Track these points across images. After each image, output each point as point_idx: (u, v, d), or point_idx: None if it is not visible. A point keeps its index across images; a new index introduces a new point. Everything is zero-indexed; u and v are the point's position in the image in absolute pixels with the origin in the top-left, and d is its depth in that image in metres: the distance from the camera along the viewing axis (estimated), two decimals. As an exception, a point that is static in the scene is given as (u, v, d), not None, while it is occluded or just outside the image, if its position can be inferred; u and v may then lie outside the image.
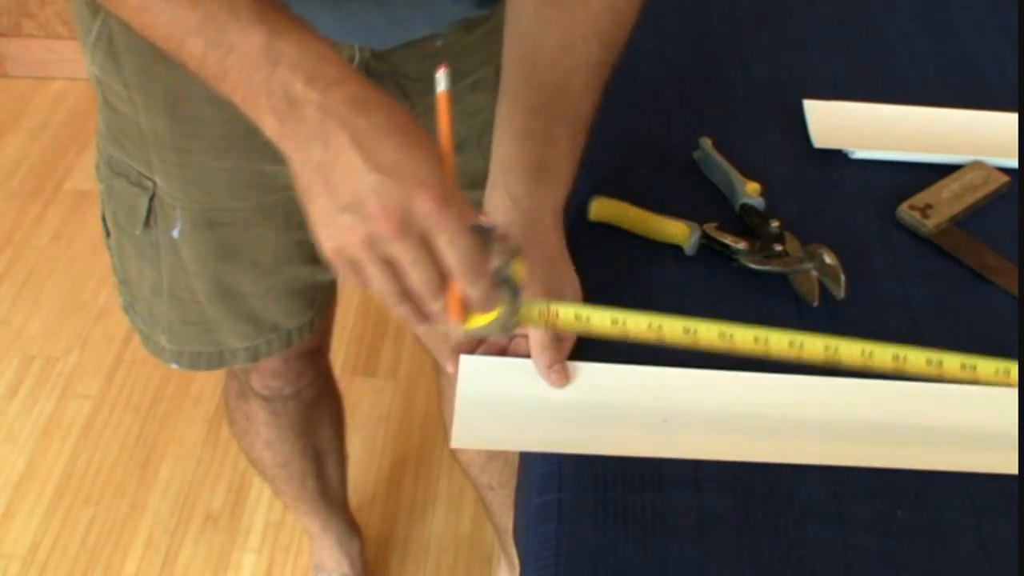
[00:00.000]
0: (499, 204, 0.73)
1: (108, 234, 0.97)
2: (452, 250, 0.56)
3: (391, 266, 0.57)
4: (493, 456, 1.26)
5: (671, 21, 1.10)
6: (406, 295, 0.59)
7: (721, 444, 0.69)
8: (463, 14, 0.86)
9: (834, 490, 0.67)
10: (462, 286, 0.58)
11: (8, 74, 2.43)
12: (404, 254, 0.56)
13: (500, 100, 0.76)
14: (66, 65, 2.40)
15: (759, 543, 0.64)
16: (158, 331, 0.98)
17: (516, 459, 0.80)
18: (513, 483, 0.79)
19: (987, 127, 0.94)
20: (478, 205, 0.97)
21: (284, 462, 1.24)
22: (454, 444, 0.69)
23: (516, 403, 0.71)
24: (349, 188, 0.55)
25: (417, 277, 0.57)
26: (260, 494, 1.61)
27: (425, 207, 0.55)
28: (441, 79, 0.60)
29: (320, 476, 1.31)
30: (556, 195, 0.73)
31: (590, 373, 0.73)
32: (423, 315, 0.60)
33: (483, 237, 0.58)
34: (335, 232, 0.57)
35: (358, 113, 0.56)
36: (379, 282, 0.58)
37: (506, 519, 1.34)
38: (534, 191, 0.73)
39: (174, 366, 0.99)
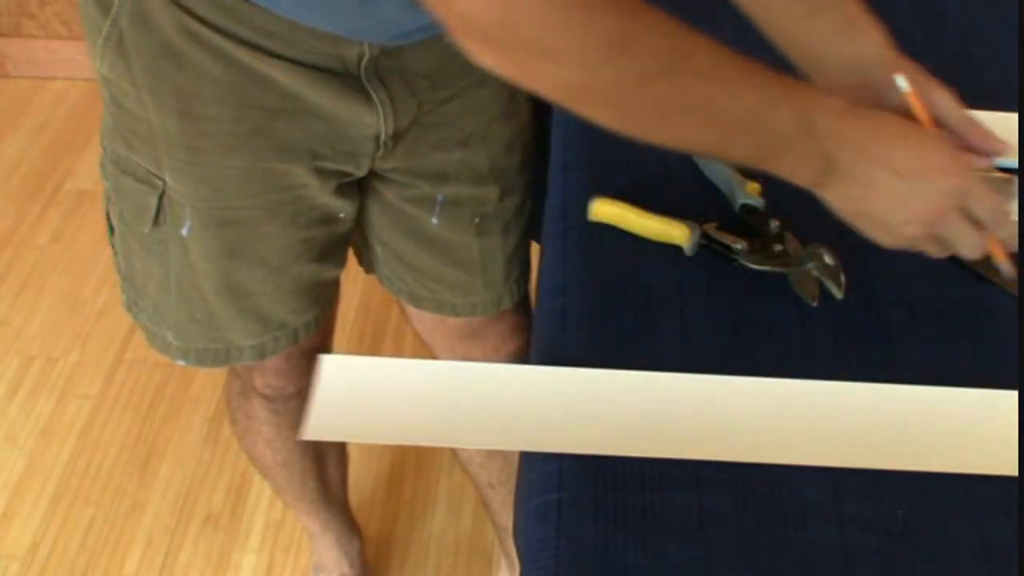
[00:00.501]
0: (837, 78, 0.80)
1: (112, 231, 0.97)
2: (983, 210, 0.71)
3: (942, 239, 0.73)
4: (492, 454, 1.26)
5: (671, 21, 1.09)
6: (958, 248, 0.74)
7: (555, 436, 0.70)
8: None
9: (834, 490, 0.67)
10: (996, 232, 0.73)
11: (8, 74, 2.43)
12: (951, 232, 0.72)
13: (769, 22, 0.83)
14: (66, 65, 2.40)
15: (759, 543, 0.64)
16: (164, 328, 0.98)
17: (516, 457, 0.80)
18: (513, 481, 0.79)
19: (987, 127, 0.94)
20: (480, 201, 0.98)
21: (285, 461, 1.24)
22: (304, 436, 0.71)
23: (373, 398, 0.72)
24: (891, 202, 0.70)
25: (963, 243, 0.73)
26: (260, 494, 1.61)
27: (952, 187, 0.70)
28: (902, 82, 0.75)
29: (321, 476, 1.31)
30: (880, 33, 0.80)
31: (455, 370, 0.75)
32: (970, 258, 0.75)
33: (1002, 185, 0.74)
34: (896, 236, 0.73)
35: (876, 144, 0.70)
36: (935, 252, 0.74)
37: (506, 517, 1.34)
38: (855, 45, 0.79)
39: (181, 362, 1.00)
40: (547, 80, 0.64)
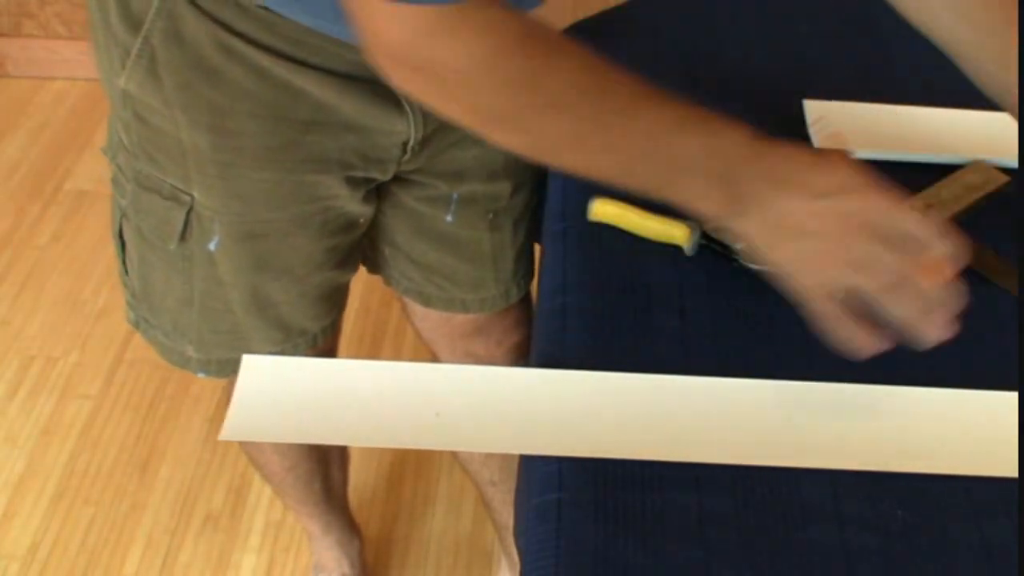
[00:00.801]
0: None
1: (123, 248, 0.96)
2: (915, 224, 0.62)
3: (866, 265, 0.63)
4: (492, 452, 1.26)
5: (670, 21, 1.10)
6: (890, 285, 0.63)
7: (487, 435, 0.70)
8: None
9: (834, 490, 0.67)
10: (933, 248, 0.63)
11: (8, 74, 2.43)
12: (864, 253, 0.63)
13: (980, 70, 0.79)
14: (66, 65, 2.40)
15: (759, 543, 0.64)
16: (184, 343, 0.98)
17: (516, 455, 0.80)
18: (514, 479, 0.79)
19: (987, 127, 0.94)
20: (494, 197, 0.98)
21: (292, 465, 1.24)
22: (223, 436, 0.70)
23: (297, 398, 0.72)
24: (802, 222, 0.64)
25: (878, 266, 0.63)
26: (260, 494, 1.61)
27: (867, 204, 0.63)
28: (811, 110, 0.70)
29: (325, 478, 1.31)
30: None
31: (375, 369, 0.75)
32: (913, 296, 0.64)
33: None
34: (811, 267, 0.65)
35: (789, 168, 0.65)
36: (866, 282, 0.63)
37: (507, 515, 1.34)
38: None
39: (201, 375, 1.00)
40: (454, 108, 0.66)
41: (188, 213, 0.88)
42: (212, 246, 0.89)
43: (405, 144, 0.88)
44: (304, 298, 0.96)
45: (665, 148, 0.66)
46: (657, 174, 0.67)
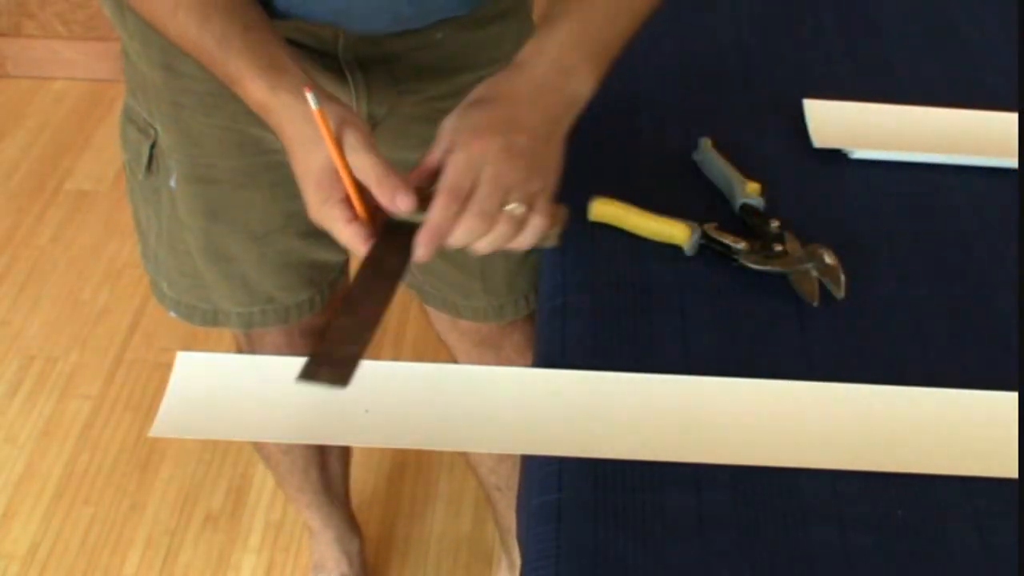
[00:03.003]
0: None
1: (128, 180, 1.01)
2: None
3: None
4: (503, 458, 1.27)
5: (670, 20, 1.10)
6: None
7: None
8: (451, 13, 0.86)
9: (834, 490, 0.67)
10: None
11: (8, 74, 2.43)
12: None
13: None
14: (66, 65, 2.40)
15: (759, 543, 0.64)
16: (161, 277, 1.01)
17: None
18: (519, 483, 0.80)
19: (987, 127, 0.94)
20: None
21: (288, 449, 1.25)
22: (152, 433, 0.70)
23: (227, 396, 0.72)
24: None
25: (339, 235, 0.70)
26: (260, 494, 1.61)
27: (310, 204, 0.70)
28: (312, 100, 0.67)
29: (324, 467, 1.31)
30: (555, 44, 0.74)
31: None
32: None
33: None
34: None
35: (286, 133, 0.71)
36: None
37: (510, 519, 1.34)
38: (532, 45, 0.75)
39: (173, 314, 1.03)
40: None
41: (152, 147, 0.92)
42: (173, 183, 0.93)
43: None
44: (265, 261, 0.97)
45: (220, 65, 0.72)
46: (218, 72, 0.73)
